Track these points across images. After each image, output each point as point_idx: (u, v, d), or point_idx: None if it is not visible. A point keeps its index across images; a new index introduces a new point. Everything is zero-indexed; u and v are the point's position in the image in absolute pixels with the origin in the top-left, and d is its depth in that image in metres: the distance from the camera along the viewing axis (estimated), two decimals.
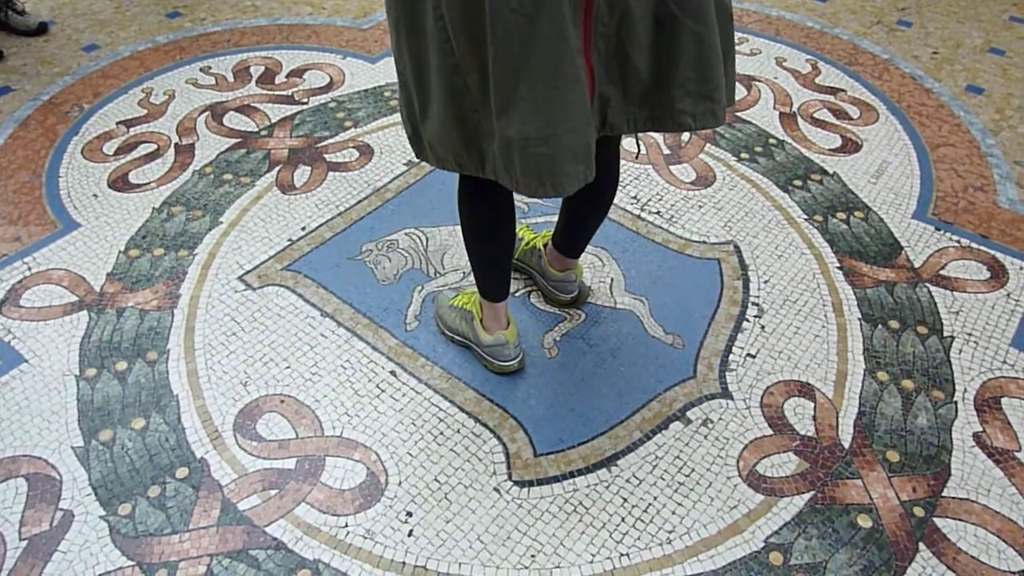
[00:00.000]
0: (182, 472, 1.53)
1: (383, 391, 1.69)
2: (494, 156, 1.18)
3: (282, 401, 1.66)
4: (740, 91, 2.59)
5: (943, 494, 1.53)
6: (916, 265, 2.01)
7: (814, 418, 1.66)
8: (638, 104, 1.19)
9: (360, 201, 2.16)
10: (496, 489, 1.52)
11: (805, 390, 1.71)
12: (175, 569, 1.39)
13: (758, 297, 1.92)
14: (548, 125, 1.09)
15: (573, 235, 1.72)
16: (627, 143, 2.31)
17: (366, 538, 1.44)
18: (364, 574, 1.39)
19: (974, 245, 2.07)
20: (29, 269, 1.94)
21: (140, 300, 1.87)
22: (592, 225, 1.69)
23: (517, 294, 1.91)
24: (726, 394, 1.70)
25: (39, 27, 2.81)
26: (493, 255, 1.56)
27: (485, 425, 1.63)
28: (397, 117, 2.45)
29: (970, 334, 1.84)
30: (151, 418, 1.63)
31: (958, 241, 2.08)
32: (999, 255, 2.04)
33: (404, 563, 1.41)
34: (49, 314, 1.83)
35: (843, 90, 2.61)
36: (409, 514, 1.48)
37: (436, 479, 1.54)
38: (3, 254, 1.98)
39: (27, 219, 2.08)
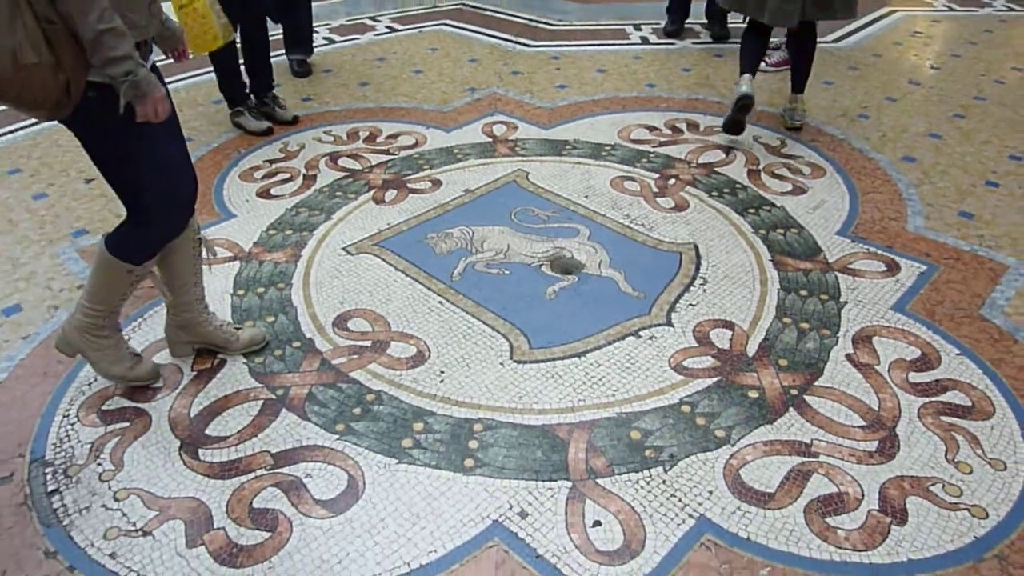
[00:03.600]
0: (296, 343, 2.34)
1: (431, 311, 2.48)
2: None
3: (365, 311, 2.47)
4: (718, 154, 3.41)
5: (815, 384, 2.18)
6: (830, 260, 2.71)
7: (730, 340, 2.35)
8: None
9: (429, 210, 3.03)
10: (501, 364, 2.26)
11: (727, 325, 2.41)
12: (288, 390, 2.17)
13: (706, 273, 2.65)
14: None
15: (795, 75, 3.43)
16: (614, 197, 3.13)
17: (413, 381, 2.19)
18: (410, 397, 2.14)
19: (879, 251, 2.76)
20: (203, 236, 2.86)
21: (274, 257, 2.75)
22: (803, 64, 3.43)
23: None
24: (669, 324, 2.42)
25: (294, 119, 3.74)
26: None
27: (498, 331, 2.39)
28: (461, 163, 3.35)
29: (860, 301, 2.51)
30: (278, 316, 2.45)
31: (867, 249, 2.77)
32: (897, 258, 2.72)
33: (435, 395, 2.15)
34: (213, 261, 2.72)
35: (802, 156, 3.40)
36: (442, 371, 2.23)
37: (462, 357, 2.29)
38: None
39: (201, 211, 3.03)
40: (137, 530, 1.78)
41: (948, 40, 4.92)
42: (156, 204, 1.92)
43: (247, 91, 3.72)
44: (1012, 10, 5.50)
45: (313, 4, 4.38)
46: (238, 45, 3.56)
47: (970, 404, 2.12)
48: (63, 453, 1.97)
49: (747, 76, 3.36)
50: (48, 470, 1.93)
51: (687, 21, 4.86)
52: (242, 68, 3.67)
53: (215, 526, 1.79)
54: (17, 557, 1.72)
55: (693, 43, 4.74)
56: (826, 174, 3.27)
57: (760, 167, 3.31)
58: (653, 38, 4.79)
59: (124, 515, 1.81)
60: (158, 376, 2.20)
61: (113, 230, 1.99)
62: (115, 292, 2.01)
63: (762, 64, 4.27)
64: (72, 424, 2.06)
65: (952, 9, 5.48)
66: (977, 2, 5.65)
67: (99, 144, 1.85)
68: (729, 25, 4.78)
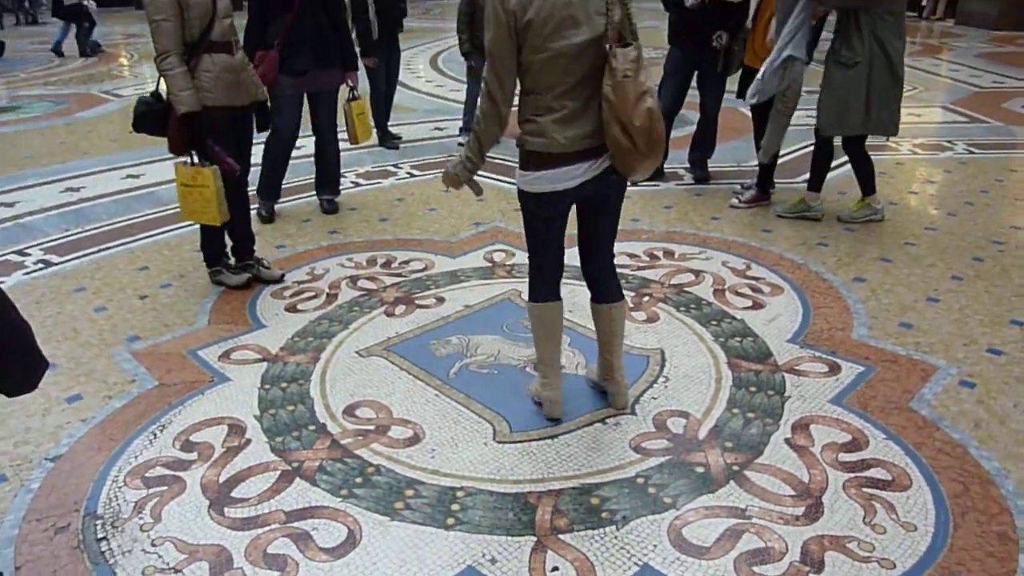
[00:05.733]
0: (311, 427, 2.74)
1: (428, 401, 2.88)
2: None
3: (371, 402, 2.88)
4: (688, 276, 3.87)
5: (755, 461, 2.52)
6: (779, 363, 3.09)
7: (684, 426, 2.71)
8: None
9: (432, 322, 3.49)
10: (485, 443, 2.64)
11: (683, 414, 2.78)
12: (302, 463, 2.55)
13: (668, 373, 3.04)
14: None
15: (869, 180, 4.54)
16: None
17: (408, 457, 2.57)
18: (405, 469, 2.51)
19: (824, 356, 3.14)
20: (237, 343, 3.33)
21: (297, 359, 3.20)
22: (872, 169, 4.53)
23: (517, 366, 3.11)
24: (633, 413, 2.79)
25: (280, 277, 3.93)
26: None
27: (483, 418, 2.77)
28: (463, 284, 3.84)
29: (802, 396, 2.88)
30: (297, 406, 2.87)
31: (813, 354, 3.16)
32: (839, 361, 3.10)
33: (426, 468, 2.52)
34: (245, 362, 3.17)
35: (763, 278, 3.85)
36: (433, 449, 2.61)
37: (451, 438, 2.67)
38: (226, 335, 3.39)
39: (236, 322, 3.52)
40: (170, 568, 2.13)
41: (908, 179, 5.47)
42: None
43: (226, 252, 3.95)
44: (971, 153, 6.08)
45: (342, 153, 5.06)
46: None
47: (890, 478, 2.44)
48: (111, 509, 2.35)
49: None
50: (98, 522, 2.30)
51: (668, 165, 5.47)
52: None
53: (235, 566, 2.13)
54: None
55: (676, 184, 5.34)
56: (783, 292, 3.70)
57: (725, 287, 3.76)
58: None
59: (160, 556, 2.17)
60: None
61: None
62: None
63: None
64: (120, 487, 2.45)
65: (915, 153, 6.08)
66: (939, 147, 6.26)
67: None
68: (710, 168, 5.39)
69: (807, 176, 4.68)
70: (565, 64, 2.29)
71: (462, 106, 6.83)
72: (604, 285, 2.73)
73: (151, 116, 3.48)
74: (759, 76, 4.29)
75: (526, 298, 2.76)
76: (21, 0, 19.75)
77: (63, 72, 12.05)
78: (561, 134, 2.35)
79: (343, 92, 4.88)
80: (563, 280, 2.72)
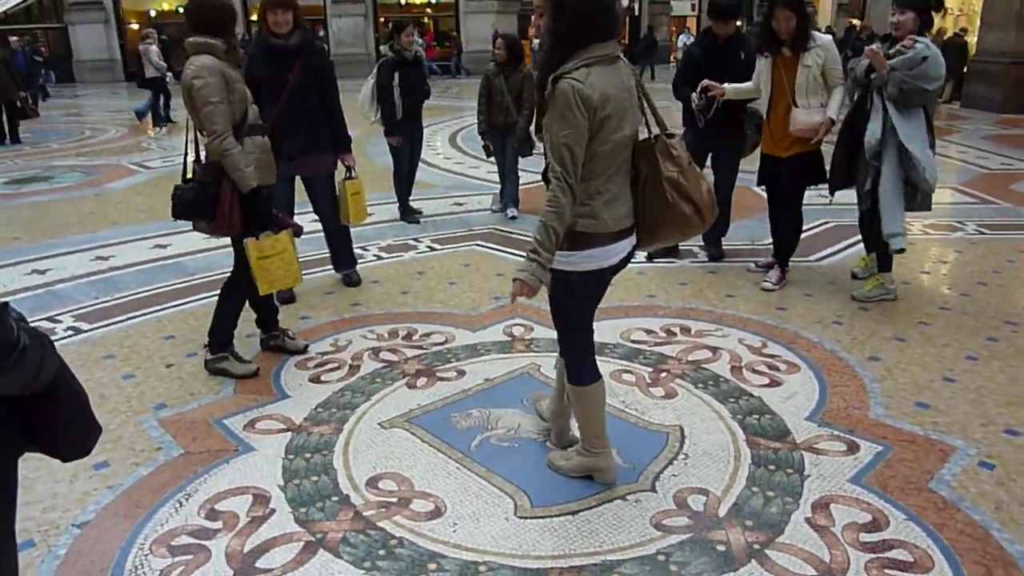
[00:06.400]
0: (335, 498, 2.77)
1: (450, 475, 2.92)
2: None
3: (393, 474, 2.92)
4: (705, 353, 3.93)
5: (776, 540, 2.53)
6: (798, 441, 3.12)
7: (704, 504, 2.73)
8: None
9: (453, 395, 3.55)
10: (506, 519, 2.66)
11: (703, 491, 2.80)
12: (326, 534, 2.58)
13: (688, 450, 3.07)
14: None
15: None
16: (627, 386, 3.64)
17: (430, 531, 2.59)
18: (427, 543, 2.53)
19: (841, 435, 3.16)
20: (262, 412, 3.39)
21: (320, 430, 3.25)
22: None
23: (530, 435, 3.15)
24: (653, 490, 2.81)
25: (304, 347, 4.03)
26: None
27: (505, 492, 2.80)
28: (483, 357, 3.90)
29: (821, 475, 2.89)
30: (320, 476, 2.91)
31: (831, 432, 3.18)
32: (857, 440, 3.12)
33: (448, 542, 2.54)
34: (270, 432, 3.23)
35: (779, 356, 3.90)
36: (455, 523, 2.63)
37: (473, 512, 2.69)
38: (251, 405, 3.45)
39: (261, 392, 3.59)
40: None
41: (920, 259, 5.55)
42: None
43: (258, 326, 4.00)
44: (982, 234, 6.18)
45: (363, 228, 5.21)
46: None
47: (912, 560, 2.44)
48: None
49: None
50: None
51: (682, 243, 5.58)
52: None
53: None
54: None
55: (691, 262, 5.44)
56: (800, 370, 3.74)
57: (742, 364, 3.81)
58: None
59: None
60: None
61: None
62: None
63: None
64: (146, 555, 2.48)
65: (927, 233, 6.18)
66: (950, 227, 6.36)
67: None
68: (724, 246, 5.50)
69: (823, 254, 4.76)
70: (619, 152, 2.49)
71: (479, 181, 7.03)
72: None
73: (199, 200, 3.49)
74: (926, 166, 4.20)
75: (571, 383, 2.79)
76: (35, 80, 18.62)
77: (94, 143, 12.47)
78: (608, 215, 2.52)
79: (340, 170, 4.85)
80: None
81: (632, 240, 2.65)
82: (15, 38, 19.28)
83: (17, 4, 30.84)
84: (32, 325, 1.42)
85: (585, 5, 2.35)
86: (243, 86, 3.57)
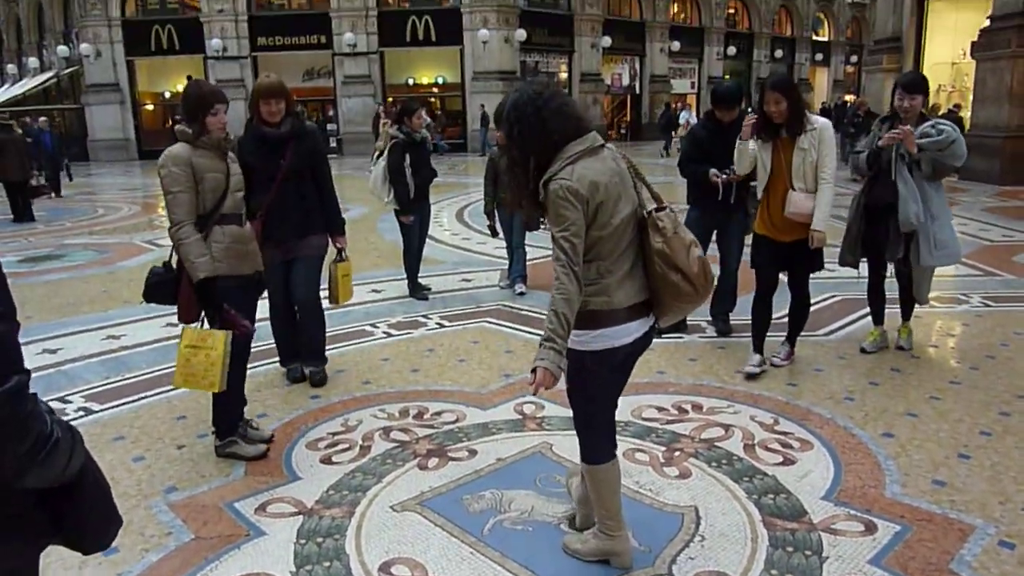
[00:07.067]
0: None
1: (463, 560, 2.88)
2: None
3: (406, 559, 2.88)
4: (718, 431, 3.91)
5: None
6: (815, 521, 3.08)
7: None
8: None
9: (465, 475, 3.53)
10: None
11: (721, 575, 2.75)
12: None
13: (704, 531, 3.04)
14: None
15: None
16: (646, 474, 3.62)
17: None
18: None
19: (859, 514, 3.13)
20: (273, 495, 3.37)
21: (332, 513, 3.23)
22: None
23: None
24: (670, 574, 2.77)
25: (270, 438, 3.88)
26: None
27: None
28: (495, 436, 3.89)
29: (840, 556, 2.85)
30: (332, 562, 2.88)
31: (848, 512, 3.15)
32: (875, 520, 3.08)
33: None
34: (282, 515, 3.20)
35: (792, 433, 3.88)
36: None
37: None
38: (262, 487, 3.43)
39: (272, 473, 3.57)
40: None
41: (928, 332, 5.57)
42: None
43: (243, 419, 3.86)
44: (987, 306, 6.21)
45: (364, 307, 5.26)
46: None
47: None
48: None
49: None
50: None
51: (690, 318, 5.61)
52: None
53: None
54: None
55: (700, 337, 5.47)
56: (813, 448, 3.72)
57: (755, 442, 3.79)
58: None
59: None
60: None
61: None
62: None
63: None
64: None
65: (933, 306, 6.21)
66: (955, 300, 6.39)
67: None
68: (731, 321, 5.53)
69: (830, 328, 4.78)
70: (621, 232, 2.56)
71: (487, 257, 7.12)
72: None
73: (163, 286, 3.58)
74: (948, 240, 4.82)
75: (584, 461, 2.81)
76: (61, 160, 17.71)
77: (107, 221, 12.70)
78: (619, 292, 2.58)
79: (331, 253, 4.75)
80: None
81: (648, 320, 2.67)
82: (44, 118, 19.75)
83: (37, 85, 31.89)
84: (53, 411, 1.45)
85: (533, 125, 2.50)
86: (216, 175, 3.58)
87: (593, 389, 2.74)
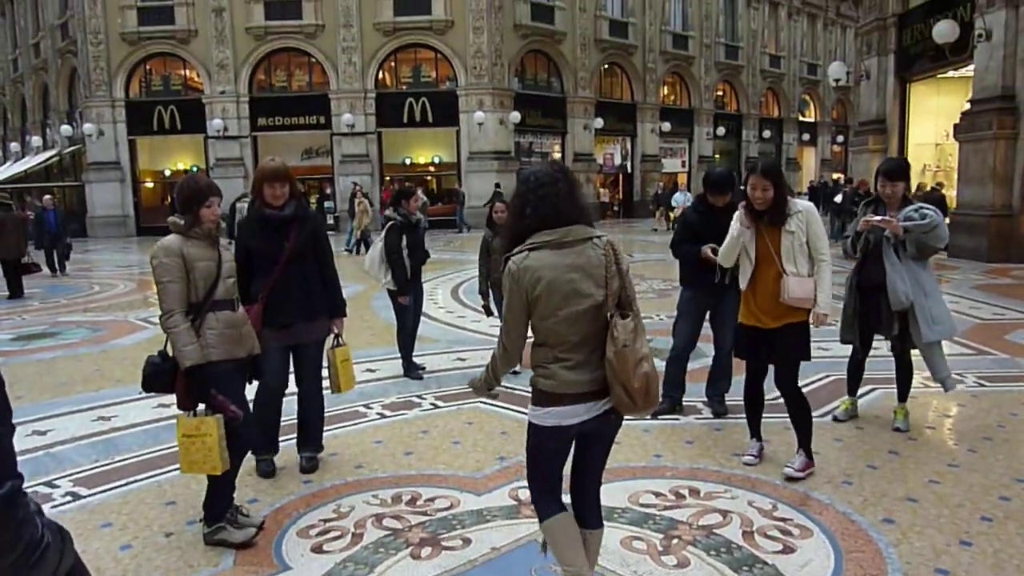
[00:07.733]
0: None
1: None
2: None
3: None
4: (716, 517, 3.85)
5: None
6: None
7: None
8: None
9: (459, 566, 3.45)
10: None
11: None
12: None
13: None
14: None
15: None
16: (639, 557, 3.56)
17: None
18: None
19: None
20: None
21: None
22: None
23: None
24: None
25: (260, 524, 3.76)
26: None
27: None
28: (490, 523, 3.83)
29: None
30: None
31: None
32: None
33: None
34: None
35: (791, 519, 3.83)
36: None
37: None
38: None
39: (262, 563, 3.49)
40: None
41: (923, 413, 5.56)
42: None
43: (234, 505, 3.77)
44: (982, 386, 6.21)
45: (368, 384, 5.24)
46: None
47: None
48: None
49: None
50: None
51: (686, 399, 5.60)
52: None
53: None
54: None
55: (696, 418, 5.44)
56: (813, 535, 3.67)
57: (753, 529, 3.73)
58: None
59: None
60: None
61: None
62: None
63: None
64: None
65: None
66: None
67: None
68: (727, 402, 5.51)
69: (825, 409, 4.76)
70: (570, 325, 2.68)
71: (481, 336, 7.11)
72: (589, 511, 3.00)
73: (160, 375, 3.61)
74: (943, 315, 5.06)
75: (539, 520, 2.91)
76: (63, 239, 16.75)
77: (102, 299, 12.73)
78: (568, 378, 2.70)
79: (328, 339, 4.71)
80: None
81: (603, 404, 2.74)
82: (48, 196, 19.99)
83: (39, 163, 32.42)
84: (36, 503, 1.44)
85: (516, 205, 2.78)
86: (208, 263, 3.64)
87: (541, 456, 2.88)
